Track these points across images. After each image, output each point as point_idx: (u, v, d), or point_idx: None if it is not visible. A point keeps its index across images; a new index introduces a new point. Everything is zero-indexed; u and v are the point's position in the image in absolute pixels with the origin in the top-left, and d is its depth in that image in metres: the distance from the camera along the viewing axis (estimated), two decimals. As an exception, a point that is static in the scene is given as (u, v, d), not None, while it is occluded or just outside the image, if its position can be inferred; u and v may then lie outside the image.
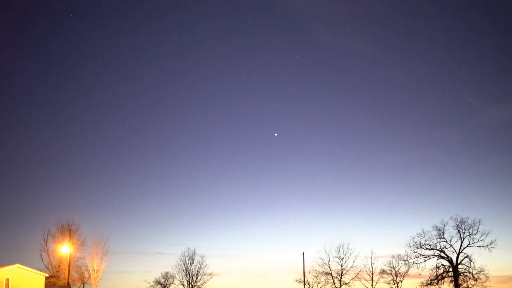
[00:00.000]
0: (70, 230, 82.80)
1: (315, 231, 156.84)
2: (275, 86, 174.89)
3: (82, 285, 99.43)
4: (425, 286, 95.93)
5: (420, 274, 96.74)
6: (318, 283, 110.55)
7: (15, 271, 74.51)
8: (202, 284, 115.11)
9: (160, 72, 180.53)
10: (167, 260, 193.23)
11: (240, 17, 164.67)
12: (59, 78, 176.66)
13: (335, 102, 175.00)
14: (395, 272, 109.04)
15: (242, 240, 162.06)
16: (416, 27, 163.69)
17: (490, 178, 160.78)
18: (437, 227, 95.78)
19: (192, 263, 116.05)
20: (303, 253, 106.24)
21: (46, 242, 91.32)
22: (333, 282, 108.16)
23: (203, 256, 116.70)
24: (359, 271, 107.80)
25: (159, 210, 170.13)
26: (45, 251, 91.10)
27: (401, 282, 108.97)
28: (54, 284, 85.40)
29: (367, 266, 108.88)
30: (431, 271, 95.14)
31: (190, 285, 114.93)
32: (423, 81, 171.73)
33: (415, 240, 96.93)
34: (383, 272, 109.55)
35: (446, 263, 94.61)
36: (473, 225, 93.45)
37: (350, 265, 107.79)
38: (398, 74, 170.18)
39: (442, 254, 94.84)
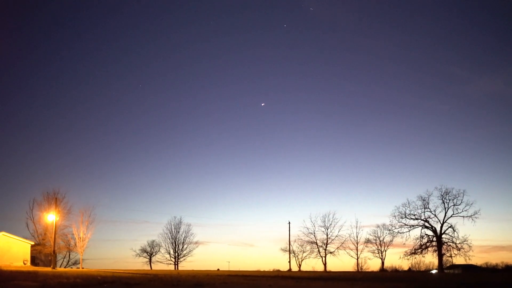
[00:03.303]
0: (56, 198, 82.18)
1: (301, 200, 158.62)
2: (263, 56, 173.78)
3: (68, 253, 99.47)
4: (409, 255, 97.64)
5: (404, 244, 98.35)
6: (303, 252, 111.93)
7: (1, 239, 73.75)
8: (188, 253, 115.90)
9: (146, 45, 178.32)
10: (153, 229, 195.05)
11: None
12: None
13: (322, 72, 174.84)
14: (380, 241, 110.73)
15: (229, 209, 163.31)
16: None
17: (475, 149, 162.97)
18: (421, 197, 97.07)
19: (178, 232, 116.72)
20: (289, 222, 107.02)
21: (32, 210, 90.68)
22: (318, 251, 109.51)
23: (189, 225, 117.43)
24: (344, 240, 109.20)
25: (146, 179, 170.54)
26: (31, 219, 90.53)
27: (385, 251, 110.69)
28: (40, 252, 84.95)
29: (352, 235, 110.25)
30: (415, 241, 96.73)
31: (176, 254, 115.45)
32: (410, 51, 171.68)
33: (400, 210, 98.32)
34: (367, 241, 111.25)
35: (430, 232, 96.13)
36: (457, 196, 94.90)
37: (335, 234, 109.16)
38: (385, 44, 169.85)
39: (426, 224, 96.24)
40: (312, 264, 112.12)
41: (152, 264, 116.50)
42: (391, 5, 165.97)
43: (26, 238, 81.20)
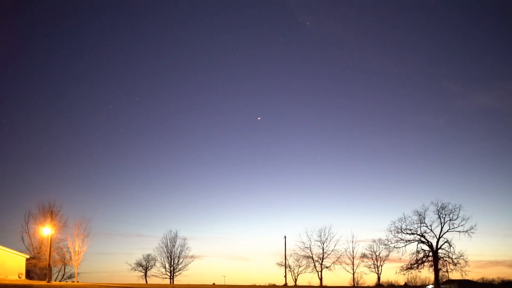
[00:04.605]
0: (52, 211, 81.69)
1: (297, 215, 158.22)
2: (259, 70, 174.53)
3: (63, 267, 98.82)
4: (405, 270, 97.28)
5: (400, 259, 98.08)
6: (299, 267, 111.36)
7: (-4, 252, 73.35)
8: (183, 267, 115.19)
9: (144, 54, 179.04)
10: (148, 242, 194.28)
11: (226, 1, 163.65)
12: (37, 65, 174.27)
13: (317, 86, 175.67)
14: (376, 256, 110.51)
15: (224, 223, 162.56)
16: (398, 13, 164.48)
17: (471, 164, 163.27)
18: (417, 212, 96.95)
19: (174, 246, 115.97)
20: (285, 237, 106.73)
21: (27, 224, 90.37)
22: (314, 265, 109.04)
23: (185, 239, 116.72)
24: (340, 255, 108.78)
25: (141, 192, 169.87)
26: (26, 233, 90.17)
27: (381, 266, 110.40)
28: (35, 266, 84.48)
29: (348, 250, 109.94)
30: (411, 256, 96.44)
31: (172, 268, 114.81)
32: (404, 66, 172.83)
33: (396, 224, 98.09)
34: (364, 256, 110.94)
35: (426, 247, 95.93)
36: (453, 210, 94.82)
37: (331, 249, 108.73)
38: (379, 59, 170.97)
39: (423, 239, 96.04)
40: (308, 278, 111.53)
41: (147, 278, 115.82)
42: (386, 21, 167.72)
43: (21, 251, 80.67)
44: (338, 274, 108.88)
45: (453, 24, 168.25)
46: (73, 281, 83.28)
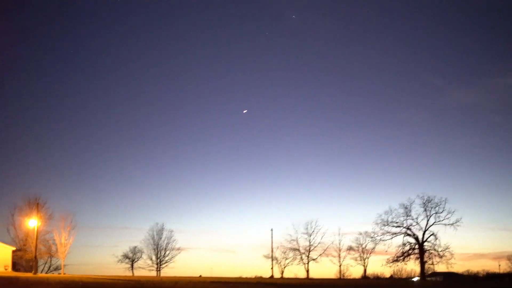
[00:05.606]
0: (38, 204, 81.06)
1: (284, 207, 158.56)
2: (245, 64, 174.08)
3: (49, 259, 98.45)
4: (391, 262, 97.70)
5: (386, 251, 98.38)
6: (286, 259, 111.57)
7: (-18, 244, 72.99)
8: (170, 259, 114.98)
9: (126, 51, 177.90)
10: (134, 235, 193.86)
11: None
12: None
13: (303, 80, 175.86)
14: (362, 249, 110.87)
15: (211, 215, 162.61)
16: (383, 9, 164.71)
17: (456, 158, 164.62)
18: (404, 205, 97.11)
19: (161, 238, 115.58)
20: (271, 229, 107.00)
21: (13, 216, 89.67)
22: (301, 258, 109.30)
23: (171, 231, 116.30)
24: (327, 248, 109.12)
25: (127, 184, 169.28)
26: (12, 225, 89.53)
27: (367, 258, 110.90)
28: (21, 257, 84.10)
29: (334, 242, 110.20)
30: (397, 248, 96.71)
31: (158, 260, 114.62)
32: (387, 62, 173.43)
33: (382, 217, 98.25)
34: (350, 248, 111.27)
35: (412, 240, 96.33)
36: (439, 204, 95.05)
37: (318, 241, 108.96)
38: (363, 54, 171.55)
39: (409, 232, 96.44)
40: (295, 271, 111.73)
41: (134, 270, 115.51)
42: (371, 15, 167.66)
43: (7, 243, 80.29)
44: (324, 266, 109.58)
45: (437, 21, 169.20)
46: (60, 273, 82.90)
